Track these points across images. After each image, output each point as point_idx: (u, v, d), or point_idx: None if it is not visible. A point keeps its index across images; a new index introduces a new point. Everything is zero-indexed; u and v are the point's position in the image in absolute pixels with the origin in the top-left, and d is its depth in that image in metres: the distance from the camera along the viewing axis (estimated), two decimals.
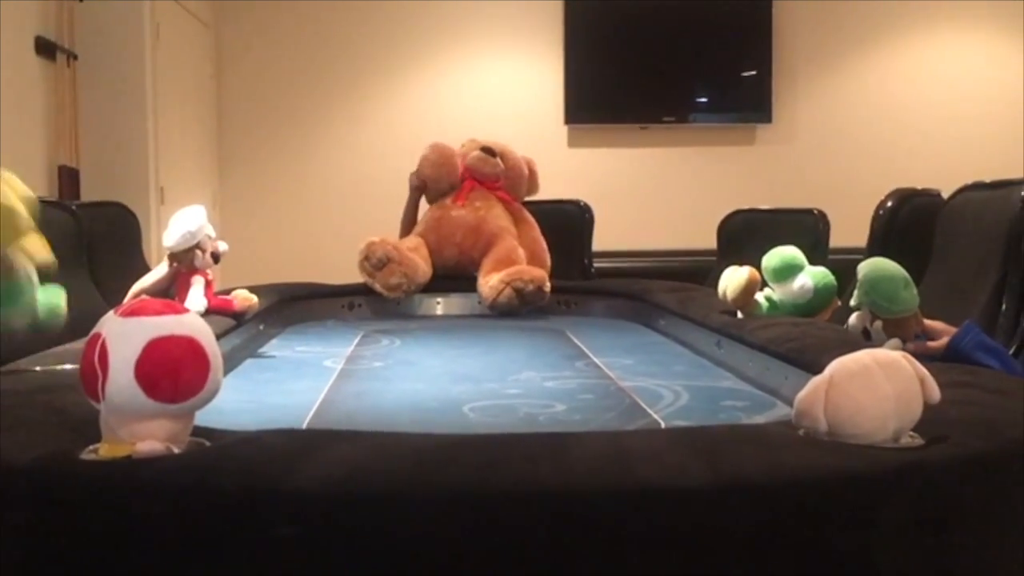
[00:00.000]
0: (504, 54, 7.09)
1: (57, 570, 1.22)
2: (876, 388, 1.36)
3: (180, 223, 2.98)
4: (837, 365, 1.41)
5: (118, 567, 1.20)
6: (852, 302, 2.23)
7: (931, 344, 2.07)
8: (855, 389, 1.37)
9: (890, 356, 1.42)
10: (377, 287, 4.13)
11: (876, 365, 1.39)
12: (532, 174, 4.65)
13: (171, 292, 2.96)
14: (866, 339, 2.18)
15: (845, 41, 7.17)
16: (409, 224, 4.57)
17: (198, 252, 2.98)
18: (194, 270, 2.99)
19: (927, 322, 2.15)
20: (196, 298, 2.95)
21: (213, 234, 3.06)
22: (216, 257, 3.04)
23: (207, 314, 2.90)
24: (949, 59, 7.20)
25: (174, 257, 3.00)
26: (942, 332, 2.10)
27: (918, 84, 7.18)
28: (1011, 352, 2.27)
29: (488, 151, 4.53)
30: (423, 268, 4.24)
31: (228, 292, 3.18)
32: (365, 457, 1.28)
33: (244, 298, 3.14)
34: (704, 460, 1.26)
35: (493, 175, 4.52)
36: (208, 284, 3.04)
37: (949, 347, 2.04)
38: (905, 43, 7.18)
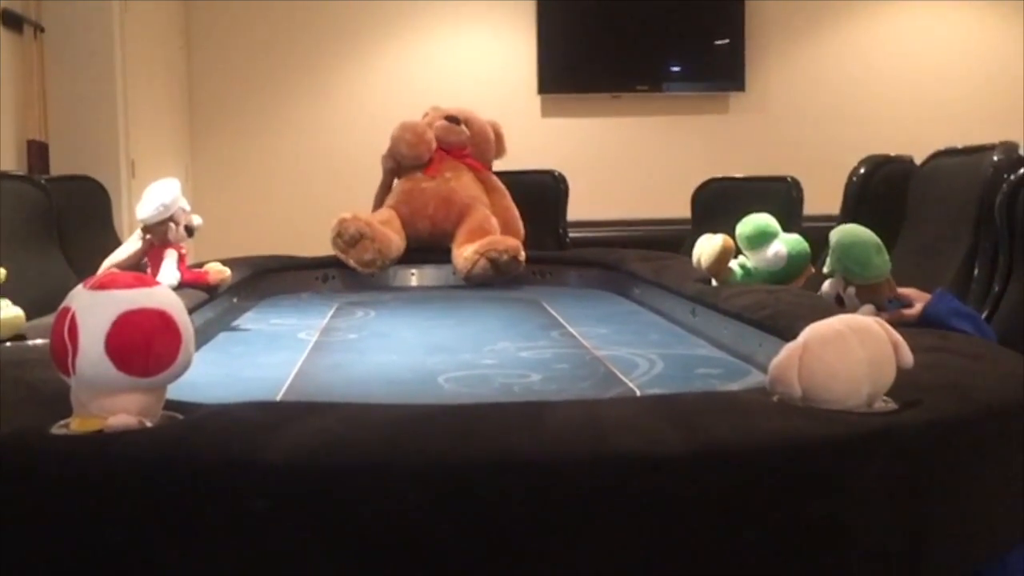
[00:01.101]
0: (476, 24, 7.04)
1: (28, 545, 1.21)
2: (850, 353, 1.37)
3: (154, 195, 2.95)
4: (811, 331, 1.42)
5: (90, 541, 1.19)
6: (825, 269, 2.24)
7: (906, 311, 2.08)
8: (829, 355, 1.37)
9: (863, 322, 1.43)
10: (351, 263, 4.08)
11: (849, 331, 1.39)
12: (499, 137, 4.59)
13: (143, 266, 2.94)
14: (839, 305, 2.18)
15: (818, 9, 7.16)
16: (382, 204, 4.52)
17: (172, 225, 2.95)
18: (167, 243, 2.97)
19: (900, 289, 2.15)
20: (169, 271, 2.92)
21: (187, 207, 3.04)
22: (190, 230, 3.01)
23: (180, 287, 2.88)
24: (922, 27, 7.20)
25: (148, 230, 2.97)
26: (915, 299, 2.11)
27: (891, 52, 7.19)
28: (983, 316, 2.28)
29: (452, 119, 4.48)
30: (396, 242, 4.20)
31: (201, 265, 3.16)
32: (339, 429, 1.27)
33: (217, 271, 3.12)
34: (679, 427, 1.27)
35: (459, 143, 4.47)
36: (181, 258, 3.01)
37: (923, 315, 2.05)
38: (878, 11, 7.18)
